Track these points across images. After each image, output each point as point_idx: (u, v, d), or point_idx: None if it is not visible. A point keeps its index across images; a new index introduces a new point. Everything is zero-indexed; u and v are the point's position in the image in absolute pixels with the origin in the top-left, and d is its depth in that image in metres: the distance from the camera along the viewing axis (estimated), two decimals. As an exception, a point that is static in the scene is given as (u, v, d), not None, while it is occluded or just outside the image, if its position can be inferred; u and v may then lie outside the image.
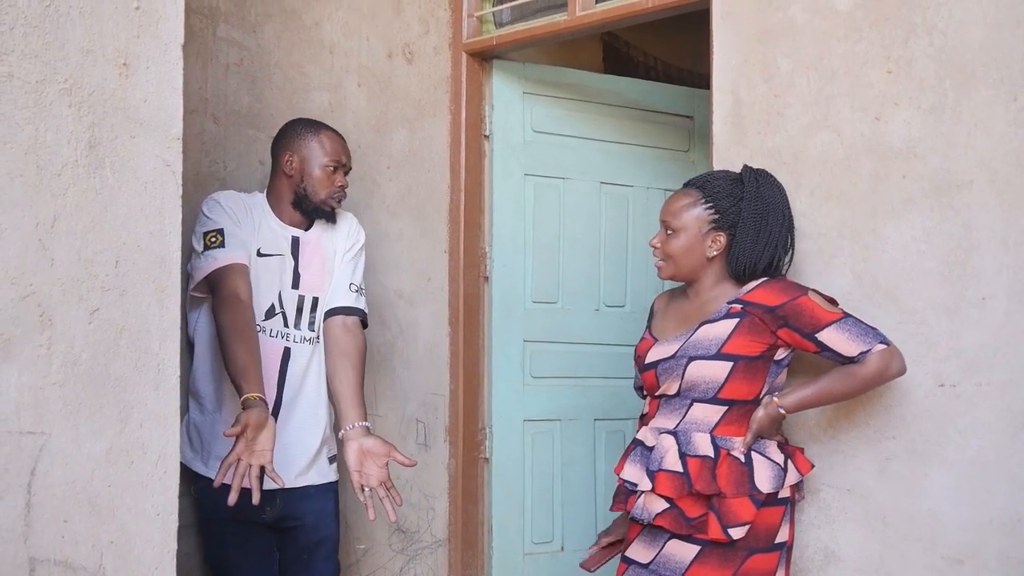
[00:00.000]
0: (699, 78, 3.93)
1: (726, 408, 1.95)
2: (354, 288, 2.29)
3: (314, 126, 2.27)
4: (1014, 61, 1.93)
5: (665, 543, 1.98)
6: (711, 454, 1.93)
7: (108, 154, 1.46)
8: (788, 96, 2.22)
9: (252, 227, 2.18)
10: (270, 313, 2.18)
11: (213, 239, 2.07)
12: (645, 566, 2.01)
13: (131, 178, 1.49)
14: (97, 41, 1.45)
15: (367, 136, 2.71)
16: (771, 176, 2.05)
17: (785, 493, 1.97)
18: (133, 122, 1.48)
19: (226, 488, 1.81)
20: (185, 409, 2.16)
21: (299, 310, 2.23)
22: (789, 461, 1.98)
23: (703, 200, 2.00)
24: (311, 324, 2.24)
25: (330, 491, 2.27)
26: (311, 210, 2.24)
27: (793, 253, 2.06)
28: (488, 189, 3.02)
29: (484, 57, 3.00)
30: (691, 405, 1.97)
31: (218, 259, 2.05)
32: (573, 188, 3.15)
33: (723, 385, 1.94)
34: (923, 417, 2.02)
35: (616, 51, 3.76)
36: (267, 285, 2.18)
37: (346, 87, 2.68)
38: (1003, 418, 1.94)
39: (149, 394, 1.50)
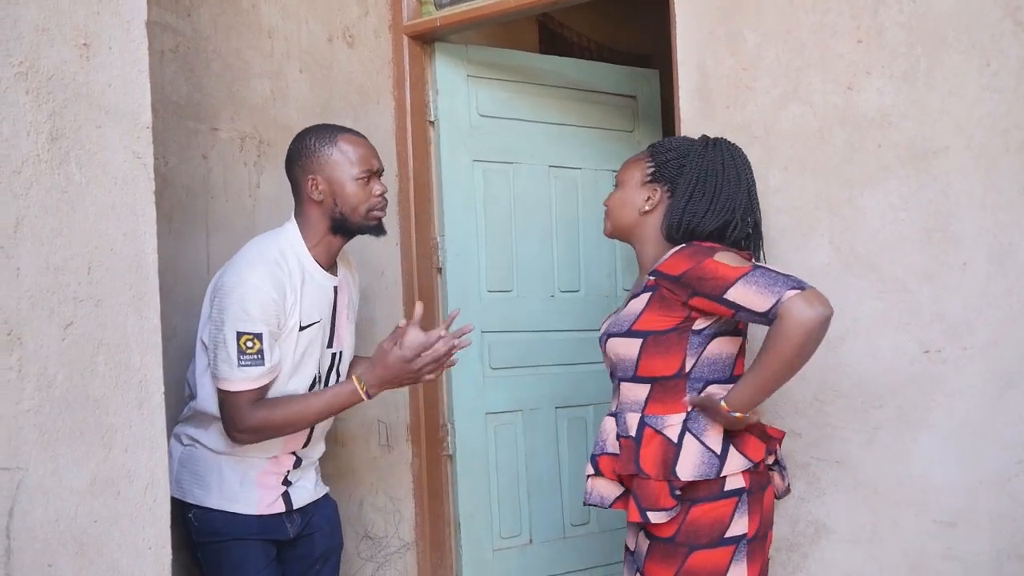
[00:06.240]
0: (634, 58, 3.90)
1: (650, 386, 1.84)
2: None
3: (328, 134, 1.98)
4: (984, 26, 1.95)
5: (639, 533, 1.92)
6: (635, 434, 1.84)
7: (73, 147, 1.28)
8: (756, 69, 2.19)
9: (295, 300, 1.91)
10: (312, 384, 2.00)
11: (249, 344, 1.80)
12: (632, 553, 1.97)
13: (100, 173, 1.31)
14: (53, 18, 1.27)
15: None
16: (731, 144, 1.91)
17: (738, 483, 1.79)
18: (98, 109, 1.31)
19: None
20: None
21: (330, 368, 2.05)
22: (732, 447, 1.79)
23: (647, 155, 1.96)
24: (337, 380, 2.08)
25: (332, 500, 2.20)
26: (354, 231, 2.00)
27: (758, 233, 1.92)
28: (436, 177, 2.90)
29: (426, 40, 2.88)
30: (619, 384, 1.90)
31: (252, 377, 1.83)
32: (522, 173, 3.06)
33: (637, 362, 1.84)
34: (909, 384, 2.03)
35: (552, 33, 3.69)
36: (309, 356, 1.97)
37: (288, 73, 2.51)
38: (988, 380, 1.96)
39: (133, 414, 1.34)
